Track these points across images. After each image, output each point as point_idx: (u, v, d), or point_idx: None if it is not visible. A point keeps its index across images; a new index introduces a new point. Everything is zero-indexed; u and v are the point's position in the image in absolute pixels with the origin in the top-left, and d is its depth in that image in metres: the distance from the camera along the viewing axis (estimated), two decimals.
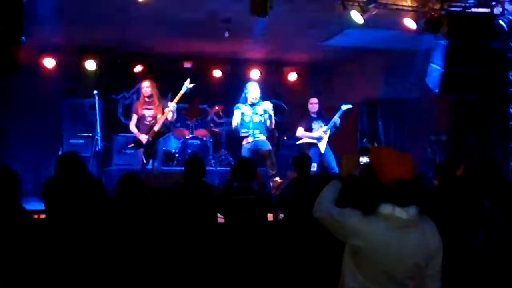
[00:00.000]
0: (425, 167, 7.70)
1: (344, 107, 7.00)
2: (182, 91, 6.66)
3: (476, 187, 3.67)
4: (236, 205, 4.04)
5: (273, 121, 6.65)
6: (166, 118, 6.55)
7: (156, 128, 6.45)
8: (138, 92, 9.30)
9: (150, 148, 6.47)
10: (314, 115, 7.10)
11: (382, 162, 2.03)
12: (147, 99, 6.58)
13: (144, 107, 6.56)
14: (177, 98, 6.60)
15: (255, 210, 4.07)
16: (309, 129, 6.98)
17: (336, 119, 6.95)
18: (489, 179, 3.77)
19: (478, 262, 3.49)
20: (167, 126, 6.90)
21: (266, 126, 6.65)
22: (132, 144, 6.58)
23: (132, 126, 6.56)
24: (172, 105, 6.48)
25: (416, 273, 2.04)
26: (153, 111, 6.52)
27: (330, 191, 2.27)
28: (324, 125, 6.98)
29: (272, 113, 6.58)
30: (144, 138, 6.42)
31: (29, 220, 3.35)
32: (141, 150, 6.45)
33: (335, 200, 2.21)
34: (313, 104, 7.11)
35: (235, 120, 6.65)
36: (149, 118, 6.53)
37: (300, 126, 7.01)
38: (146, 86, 6.57)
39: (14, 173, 3.28)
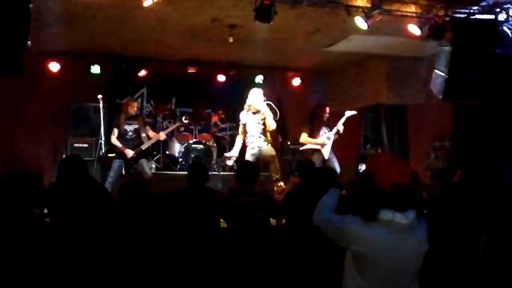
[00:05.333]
0: (428, 173, 7.69)
1: (348, 113, 6.96)
2: (177, 124, 7.60)
3: (474, 192, 3.67)
4: (239, 207, 4.04)
5: (273, 123, 6.53)
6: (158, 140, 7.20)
7: (143, 147, 6.85)
8: (142, 97, 9.45)
9: (131, 162, 6.77)
10: (321, 123, 7.04)
11: (379, 168, 2.04)
12: (129, 115, 6.88)
13: (126, 122, 6.84)
14: (169, 129, 7.48)
15: (257, 213, 4.07)
16: (313, 135, 6.93)
17: (340, 125, 6.91)
18: (486, 184, 3.77)
19: (481, 268, 3.48)
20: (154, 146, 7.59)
21: (267, 133, 6.65)
22: (114, 155, 6.84)
23: (114, 140, 6.79)
24: (162, 135, 7.13)
25: (414, 274, 2.06)
26: (136, 126, 6.87)
27: (329, 199, 2.28)
28: (328, 131, 6.93)
29: (269, 114, 6.54)
30: (130, 153, 6.70)
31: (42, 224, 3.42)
32: (122, 161, 6.72)
33: (335, 207, 2.22)
34: (326, 114, 7.06)
35: (241, 134, 6.80)
36: (131, 133, 6.85)
37: (304, 132, 6.96)
38: (133, 107, 6.90)
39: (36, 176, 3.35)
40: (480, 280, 3.43)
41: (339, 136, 6.98)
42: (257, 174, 4.29)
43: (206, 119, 8.87)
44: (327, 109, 7.03)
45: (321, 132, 6.93)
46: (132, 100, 7.16)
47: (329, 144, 6.87)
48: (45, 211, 3.88)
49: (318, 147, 6.86)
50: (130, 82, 9.15)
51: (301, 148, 7.19)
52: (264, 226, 4.17)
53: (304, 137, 6.93)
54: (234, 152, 6.98)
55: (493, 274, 3.45)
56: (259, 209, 4.07)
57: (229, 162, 7.14)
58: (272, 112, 6.61)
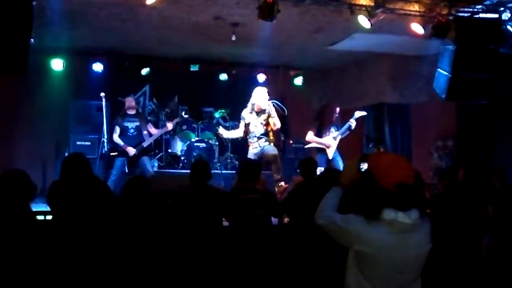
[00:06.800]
0: (431, 173, 7.68)
1: (357, 113, 6.88)
2: (177, 120, 7.61)
3: (476, 192, 3.67)
4: (240, 204, 4.05)
5: (277, 122, 6.55)
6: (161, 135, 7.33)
7: (145, 144, 6.86)
8: (145, 95, 9.45)
9: (133, 159, 6.79)
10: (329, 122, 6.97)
11: (382, 167, 2.03)
12: (129, 112, 6.91)
13: (127, 119, 6.88)
14: (175, 121, 7.48)
15: (259, 210, 4.07)
16: (320, 134, 6.87)
17: (352, 121, 6.81)
18: (488, 183, 3.76)
19: (484, 268, 3.47)
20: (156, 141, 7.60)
21: (270, 133, 6.64)
22: (116, 153, 6.89)
23: (116, 138, 6.84)
24: (170, 125, 7.20)
25: (417, 274, 2.05)
26: (137, 123, 6.90)
27: (331, 198, 2.26)
28: (335, 131, 6.86)
29: (275, 113, 6.54)
30: (131, 151, 6.72)
31: (32, 221, 3.41)
32: (124, 159, 6.75)
33: (337, 206, 2.21)
34: (336, 114, 6.98)
35: (240, 131, 6.80)
36: (132, 130, 6.88)
37: (310, 130, 6.91)
38: (130, 103, 6.95)
39: (25, 175, 3.35)
40: (483, 279, 3.42)
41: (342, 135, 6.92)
42: (258, 171, 4.30)
43: (208, 117, 8.86)
44: (337, 109, 6.95)
45: (329, 132, 6.86)
46: (128, 96, 7.13)
47: (334, 144, 6.81)
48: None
49: (323, 146, 6.81)
50: (132, 80, 9.14)
51: (305, 146, 7.16)
52: (265, 223, 4.17)
53: (310, 136, 6.88)
54: (228, 133, 7.07)
55: (495, 273, 3.44)
56: (260, 206, 4.08)
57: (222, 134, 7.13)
58: (280, 110, 6.61)
